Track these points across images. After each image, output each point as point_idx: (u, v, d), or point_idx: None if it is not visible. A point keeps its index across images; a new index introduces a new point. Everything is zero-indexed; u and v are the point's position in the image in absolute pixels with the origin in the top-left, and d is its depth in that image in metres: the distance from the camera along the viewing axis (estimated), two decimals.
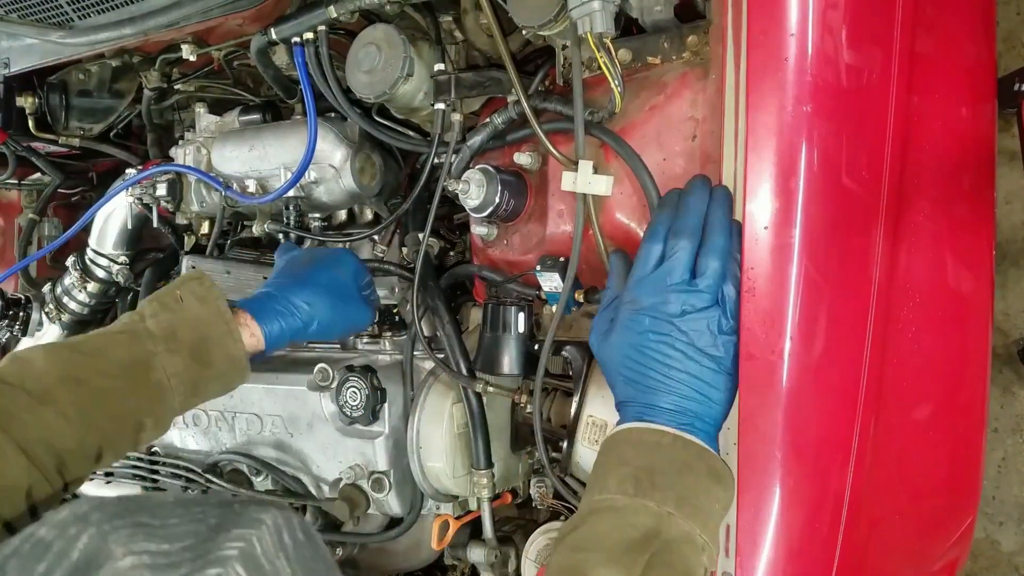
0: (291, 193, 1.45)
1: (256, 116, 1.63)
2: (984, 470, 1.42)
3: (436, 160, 1.33)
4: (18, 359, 1.04)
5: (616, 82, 1.06)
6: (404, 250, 1.48)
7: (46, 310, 1.94)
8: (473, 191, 1.22)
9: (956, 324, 1.29)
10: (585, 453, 1.18)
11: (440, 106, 1.31)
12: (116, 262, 1.86)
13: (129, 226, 1.84)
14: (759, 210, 0.97)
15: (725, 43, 1.00)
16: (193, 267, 1.53)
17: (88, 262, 1.88)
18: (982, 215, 1.35)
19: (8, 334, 1.93)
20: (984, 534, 2.26)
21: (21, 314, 1.93)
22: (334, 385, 1.37)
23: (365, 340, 1.55)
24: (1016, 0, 2.24)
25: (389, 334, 1.52)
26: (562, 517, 1.33)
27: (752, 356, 0.96)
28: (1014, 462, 2.26)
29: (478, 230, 1.32)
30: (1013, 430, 2.27)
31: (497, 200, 1.23)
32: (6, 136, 1.75)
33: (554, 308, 1.22)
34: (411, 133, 1.45)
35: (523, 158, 1.25)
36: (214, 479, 1.51)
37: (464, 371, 1.33)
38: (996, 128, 1.42)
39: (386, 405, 1.38)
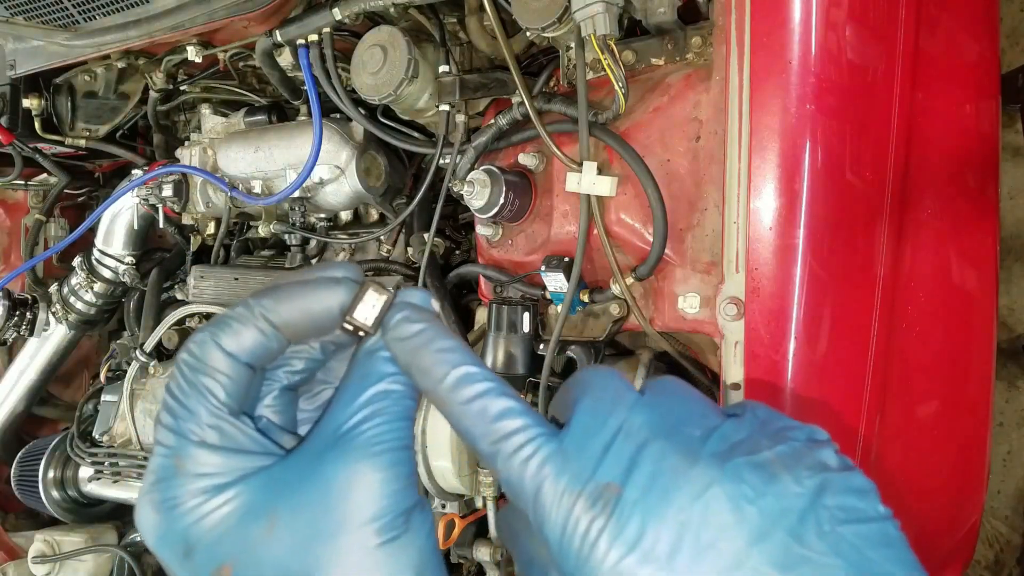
0: (296, 194, 1.46)
1: (262, 117, 1.63)
2: (990, 466, 1.42)
3: (441, 161, 1.34)
4: None
5: (620, 84, 1.06)
6: (410, 250, 1.49)
7: (53, 310, 1.95)
8: (478, 192, 1.23)
9: (960, 320, 1.30)
10: None
11: (445, 107, 1.31)
12: (122, 262, 1.87)
13: (135, 226, 1.85)
14: (763, 210, 0.97)
15: (728, 45, 1.01)
16: (201, 276, 1.53)
17: (94, 262, 1.89)
18: (986, 211, 1.35)
19: (15, 334, 1.94)
20: (989, 527, 2.27)
21: (28, 314, 1.94)
22: None
23: None
24: None
25: None
26: None
27: (756, 356, 0.97)
28: (1019, 456, 2.26)
29: (483, 230, 1.32)
30: (1018, 424, 2.27)
31: (502, 201, 1.23)
32: (12, 137, 1.76)
33: (559, 308, 1.22)
34: (416, 134, 1.45)
35: (527, 159, 1.26)
36: None
37: None
38: (1000, 124, 1.42)
39: None
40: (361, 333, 0.51)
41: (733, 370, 1.02)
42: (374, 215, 1.65)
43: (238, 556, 0.47)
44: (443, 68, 1.31)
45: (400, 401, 0.49)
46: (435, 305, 0.52)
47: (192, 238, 1.81)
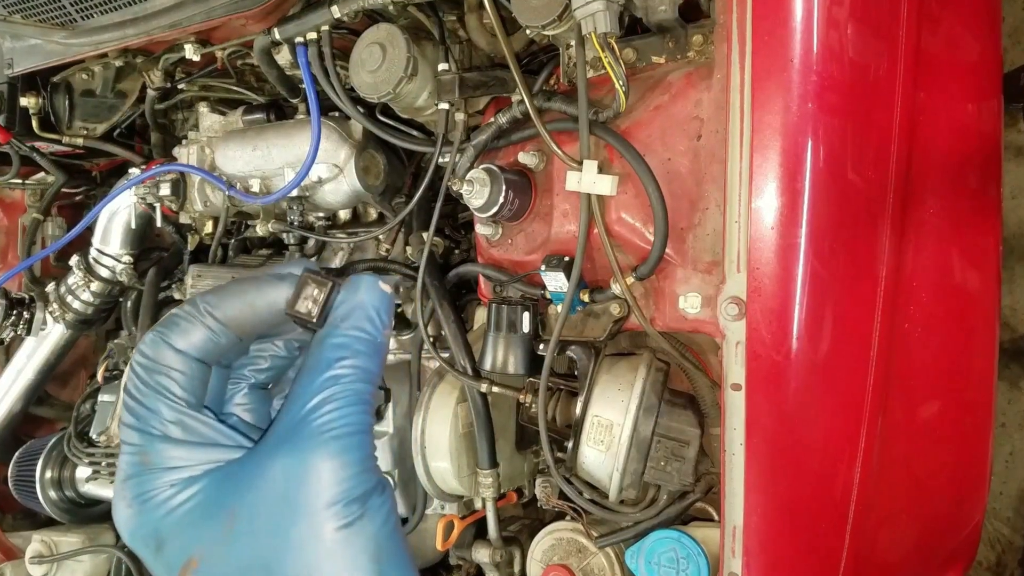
0: (295, 193, 1.45)
1: (260, 115, 1.63)
2: (992, 467, 1.41)
3: (440, 159, 1.33)
4: None
5: (620, 82, 1.05)
6: (409, 249, 1.48)
7: (50, 309, 1.95)
8: (477, 191, 1.22)
9: (963, 320, 1.29)
10: (590, 453, 1.18)
11: (444, 106, 1.30)
12: (120, 261, 1.86)
13: (133, 225, 1.84)
14: (765, 209, 0.97)
15: (730, 43, 1.00)
16: (199, 275, 1.52)
17: (92, 261, 1.89)
18: (988, 211, 1.35)
19: (12, 333, 1.94)
20: (991, 528, 2.26)
21: (25, 314, 1.93)
22: None
23: None
24: None
25: (394, 333, 1.52)
26: (567, 517, 1.33)
27: (758, 356, 0.96)
28: (1021, 457, 2.26)
29: (483, 230, 1.32)
30: (1020, 425, 2.27)
31: (501, 200, 1.23)
32: (10, 136, 1.75)
33: (559, 307, 1.22)
34: (415, 132, 1.45)
35: (527, 158, 1.25)
36: None
37: (469, 371, 1.33)
38: (1002, 123, 1.41)
39: (390, 405, 1.38)
40: (309, 325, 0.52)
41: (734, 370, 1.01)
42: (373, 214, 1.64)
43: (204, 549, 0.48)
44: (442, 66, 1.30)
45: (349, 386, 0.50)
46: (386, 287, 0.52)
47: (190, 237, 1.81)
